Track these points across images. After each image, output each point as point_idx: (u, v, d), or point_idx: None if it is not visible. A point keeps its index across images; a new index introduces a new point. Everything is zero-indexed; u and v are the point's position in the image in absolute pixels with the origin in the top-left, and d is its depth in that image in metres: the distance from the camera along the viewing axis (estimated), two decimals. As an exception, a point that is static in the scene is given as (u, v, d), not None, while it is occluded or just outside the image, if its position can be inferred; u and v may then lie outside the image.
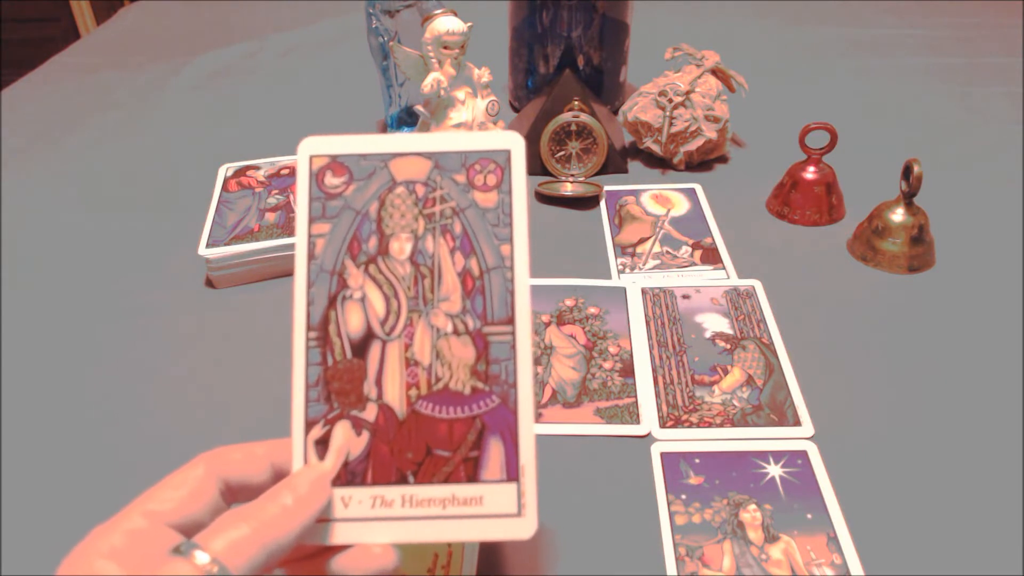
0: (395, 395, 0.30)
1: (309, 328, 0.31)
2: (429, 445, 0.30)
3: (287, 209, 0.62)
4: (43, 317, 0.56)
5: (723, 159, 0.75)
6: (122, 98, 0.91)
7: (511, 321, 0.31)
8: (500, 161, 0.32)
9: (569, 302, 0.56)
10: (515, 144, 0.32)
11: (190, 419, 0.47)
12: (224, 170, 0.68)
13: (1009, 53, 0.98)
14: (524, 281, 0.31)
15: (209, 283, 0.59)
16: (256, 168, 0.68)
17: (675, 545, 0.39)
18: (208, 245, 0.58)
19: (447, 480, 0.30)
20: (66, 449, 0.46)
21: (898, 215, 0.59)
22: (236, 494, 0.29)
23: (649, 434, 0.46)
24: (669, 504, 0.41)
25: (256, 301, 0.57)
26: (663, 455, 0.44)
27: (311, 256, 0.31)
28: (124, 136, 0.82)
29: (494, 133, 0.32)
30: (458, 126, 0.65)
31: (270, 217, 0.61)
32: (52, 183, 0.73)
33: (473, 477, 0.29)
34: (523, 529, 0.29)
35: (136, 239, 0.64)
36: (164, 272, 0.60)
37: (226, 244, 0.58)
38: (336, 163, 0.32)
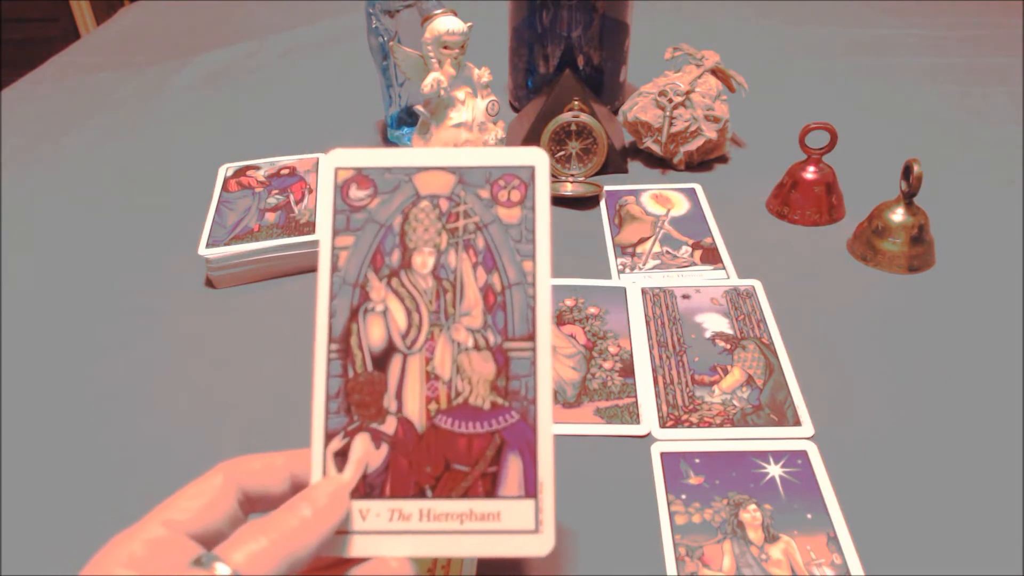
0: (415, 409, 0.30)
1: (331, 340, 0.31)
2: (448, 459, 0.30)
3: (287, 209, 0.62)
4: (43, 317, 0.56)
5: (723, 159, 0.75)
6: (122, 98, 0.91)
7: (532, 337, 0.31)
8: (524, 177, 0.32)
9: (569, 302, 0.56)
10: (540, 160, 0.32)
11: (190, 419, 0.47)
12: (224, 170, 0.68)
13: (1009, 53, 0.98)
14: (546, 298, 0.31)
15: (209, 283, 0.59)
16: (256, 168, 0.68)
17: (675, 545, 0.39)
18: (208, 245, 0.58)
19: (465, 495, 0.29)
20: (66, 449, 0.46)
21: (898, 215, 0.59)
22: (254, 504, 0.29)
23: (649, 434, 0.46)
24: (669, 504, 0.41)
25: (256, 301, 0.57)
26: (663, 455, 0.44)
27: (334, 268, 0.31)
28: (124, 136, 0.82)
29: (519, 149, 0.32)
30: (458, 126, 0.65)
31: (270, 217, 0.61)
32: (52, 183, 0.73)
33: (491, 493, 0.29)
34: (540, 546, 0.29)
35: (136, 239, 0.64)
36: (164, 272, 0.60)
37: (226, 244, 0.58)
38: (361, 176, 0.32)
